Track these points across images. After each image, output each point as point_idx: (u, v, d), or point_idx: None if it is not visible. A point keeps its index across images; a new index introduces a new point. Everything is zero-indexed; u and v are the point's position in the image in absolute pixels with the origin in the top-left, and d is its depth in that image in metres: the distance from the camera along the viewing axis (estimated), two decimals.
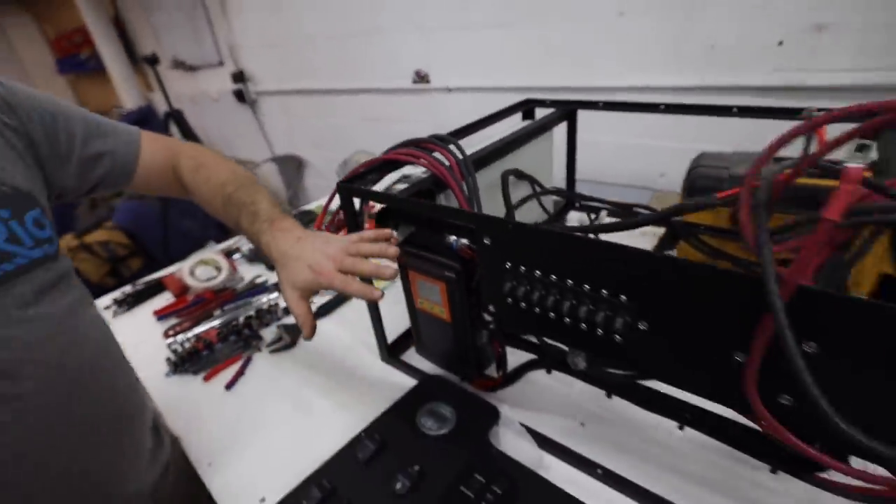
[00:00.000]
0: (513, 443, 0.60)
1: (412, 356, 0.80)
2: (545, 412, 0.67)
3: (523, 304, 0.49)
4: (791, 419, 0.36)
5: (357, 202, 0.66)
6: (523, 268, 0.47)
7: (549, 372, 0.62)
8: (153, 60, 2.02)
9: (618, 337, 0.43)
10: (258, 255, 1.24)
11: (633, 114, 0.89)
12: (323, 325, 0.96)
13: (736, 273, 0.33)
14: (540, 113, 0.98)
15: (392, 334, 0.82)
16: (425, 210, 0.58)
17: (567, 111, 0.94)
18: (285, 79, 2.54)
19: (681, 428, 0.51)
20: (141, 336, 0.99)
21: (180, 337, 0.94)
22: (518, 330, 0.57)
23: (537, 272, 0.46)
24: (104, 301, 1.13)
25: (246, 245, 1.27)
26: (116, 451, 0.55)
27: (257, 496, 0.61)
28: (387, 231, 0.61)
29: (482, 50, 1.67)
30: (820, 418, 0.30)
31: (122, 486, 0.54)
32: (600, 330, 0.44)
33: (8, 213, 0.45)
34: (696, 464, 0.58)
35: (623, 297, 0.41)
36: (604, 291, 0.42)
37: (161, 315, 1.04)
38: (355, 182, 0.67)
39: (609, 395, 0.57)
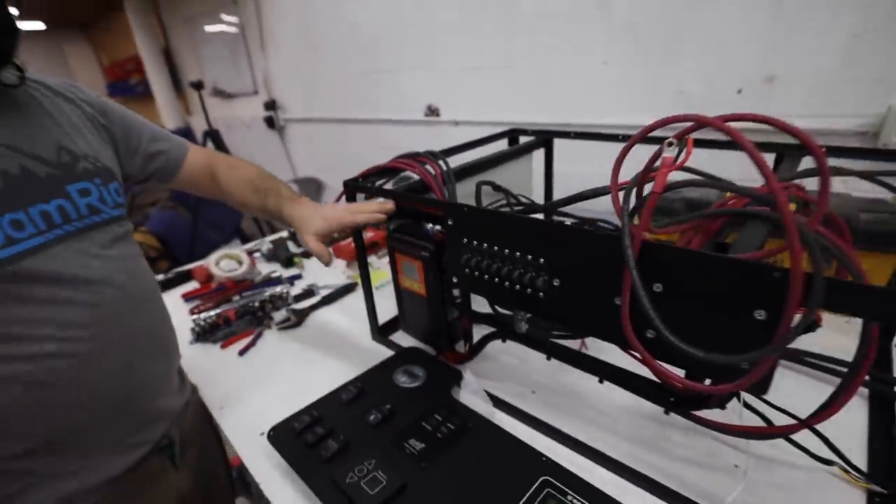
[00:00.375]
0: (471, 398, 0.73)
1: (398, 338, 0.93)
2: (504, 381, 0.80)
3: (476, 273, 0.63)
4: (655, 349, 0.48)
5: (359, 197, 0.82)
6: (475, 242, 0.62)
7: (504, 341, 0.75)
8: (199, 86, 2.30)
9: (541, 294, 0.57)
10: (275, 256, 1.41)
11: (609, 146, 1.04)
12: (325, 312, 1.11)
13: (604, 233, 0.47)
14: (523, 141, 1.14)
15: (382, 320, 0.95)
16: (407, 200, 0.73)
17: (544, 139, 1.10)
18: (311, 108, 2.79)
19: (601, 381, 0.63)
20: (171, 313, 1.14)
21: (203, 314, 1.09)
22: (474, 292, 0.69)
23: (484, 244, 0.61)
24: None
25: (266, 246, 1.44)
26: (158, 371, 0.69)
27: (258, 431, 0.73)
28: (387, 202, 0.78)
29: (487, 89, 1.87)
30: (656, 331, 0.43)
31: (156, 401, 0.68)
32: (529, 289, 0.57)
33: (100, 181, 0.62)
34: (623, 425, 0.69)
35: (541, 260, 0.55)
36: (529, 256, 0.56)
37: (188, 297, 1.20)
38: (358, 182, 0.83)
39: (549, 358, 0.69)
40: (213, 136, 2.47)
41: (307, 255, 1.41)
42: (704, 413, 0.56)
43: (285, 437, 0.65)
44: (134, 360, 0.63)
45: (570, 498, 0.53)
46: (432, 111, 2.16)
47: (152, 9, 3.89)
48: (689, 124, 0.44)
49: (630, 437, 0.67)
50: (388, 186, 0.84)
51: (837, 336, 0.63)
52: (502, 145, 1.12)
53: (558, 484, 0.55)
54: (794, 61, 1.17)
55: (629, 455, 0.63)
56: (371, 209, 0.75)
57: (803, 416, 0.49)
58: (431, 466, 0.58)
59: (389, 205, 0.75)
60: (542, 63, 1.64)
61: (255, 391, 0.85)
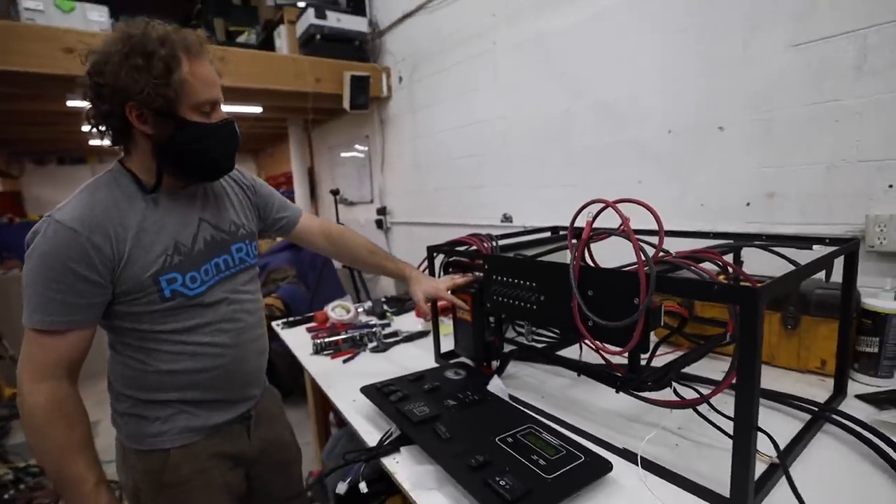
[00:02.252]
0: (494, 391, 1.04)
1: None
2: (523, 389, 1.10)
3: (500, 298, 1.01)
4: (593, 333, 0.81)
5: (439, 258, 1.27)
6: (499, 277, 1.00)
7: (519, 358, 1.07)
8: (336, 192, 3.08)
9: (534, 307, 0.92)
10: (373, 311, 1.87)
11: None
12: (404, 346, 1.50)
13: (557, 264, 0.84)
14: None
15: (443, 350, 1.32)
16: (465, 255, 1.15)
17: (577, 232, 1.48)
18: (411, 214, 3.47)
19: (578, 375, 0.93)
20: (297, 338, 1.62)
21: (321, 340, 1.54)
22: (499, 313, 1.04)
23: (504, 278, 0.99)
24: (277, 322, 1.83)
25: (367, 304, 1.91)
26: (258, 367, 1.03)
27: (352, 399, 1.11)
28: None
29: (549, 202, 2.34)
30: (588, 317, 0.77)
31: (252, 387, 1.01)
32: (526, 304, 0.93)
33: (248, 242, 1.00)
34: (602, 418, 0.96)
35: (533, 284, 0.91)
36: (526, 282, 0.93)
37: (310, 329, 1.68)
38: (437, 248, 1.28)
39: (548, 363, 1.00)
40: None
41: (397, 312, 1.85)
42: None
43: (371, 391, 1.02)
44: (250, 356, 0.99)
45: (544, 435, 0.82)
46: (507, 218, 2.65)
47: (307, 139, 5.19)
48: (600, 206, 0.82)
49: (605, 425, 0.93)
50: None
51: (806, 386, 0.93)
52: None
53: (538, 428, 0.84)
54: (787, 182, 1.47)
55: (600, 433, 0.89)
56: (463, 281, 1.12)
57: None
58: (458, 412, 0.91)
59: (469, 278, 1.15)
60: (591, 182, 2.08)
61: (352, 382, 1.23)
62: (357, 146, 4.12)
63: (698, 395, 0.79)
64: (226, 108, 0.91)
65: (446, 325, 1.66)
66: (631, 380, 0.83)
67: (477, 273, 1.16)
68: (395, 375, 1.13)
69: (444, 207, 3.12)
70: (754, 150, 1.55)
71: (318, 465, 1.84)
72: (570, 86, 2.14)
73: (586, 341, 0.84)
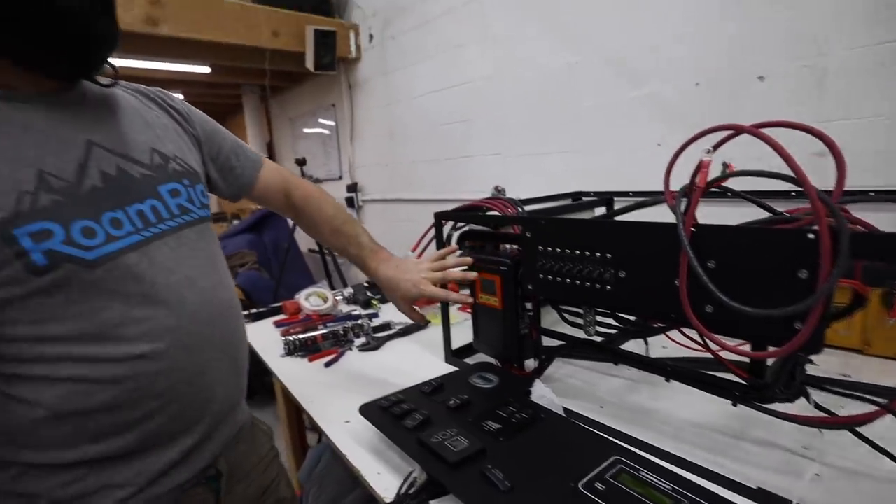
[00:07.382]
0: (541, 402, 0.78)
1: (470, 361, 1.01)
2: (572, 399, 0.84)
3: (549, 277, 0.73)
4: (712, 324, 0.55)
5: (447, 226, 0.98)
6: (549, 248, 0.73)
7: (571, 356, 0.81)
8: (302, 162, 2.68)
9: (608, 287, 0.66)
10: (355, 298, 1.56)
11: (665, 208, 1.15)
12: (400, 342, 1.21)
13: (662, 224, 0.58)
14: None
15: (455, 345, 1.04)
16: (489, 220, 0.87)
17: (605, 198, 1.23)
18: (388, 190, 3.14)
19: (667, 380, 0.68)
20: (263, 335, 1.30)
21: (294, 336, 1.22)
22: (550, 296, 0.76)
23: (557, 249, 0.71)
24: None
25: (347, 290, 1.61)
26: (230, 385, 0.68)
27: (343, 420, 0.82)
28: (454, 246, 0.91)
29: (548, 172, 2.08)
30: (713, 301, 0.51)
31: (232, 409, 0.71)
32: (598, 284, 0.67)
33: (189, 182, 0.66)
34: (695, 437, 0.71)
35: (608, 255, 0.65)
36: (597, 253, 0.66)
37: (279, 324, 1.36)
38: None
39: (616, 363, 0.75)
40: None
41: (384, 300, 1.55)
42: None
43: (374, 412, 0.73)
44: (210, 366, 0.63)
45: (642, 474, 0.57)
46: (499, 191, 2.38)
47: (264, 111, 4.71)
48: (724, 134, 0.55)
49: (702, 447, 0.69)
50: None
51: None
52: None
53: (630, 462, 0.58)
54: (840, 139, 1.26)
55: (703, 460, 0.64)
56: (456, 276, 0.84)
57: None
58: (508, 441, 0.64)
59: (468, 259, 0.87)
60: (600, 147, 1.84)
61: (340, 392, 0.94)
62: (321, 119, 3.71)
63: (876, 406, 0.55)
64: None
65: (456, 314, 1.38)
66: (761, 387, 0.58)
67: (481, 255, 0.88)
68: (398, 383, 0.85)
69: (423, 181, 2.81)
70: (803, 103, 1.33)
71: (294, 487, 1.53)
72: (574, 37, 1.87)
73: (682, 336, 0.58)
